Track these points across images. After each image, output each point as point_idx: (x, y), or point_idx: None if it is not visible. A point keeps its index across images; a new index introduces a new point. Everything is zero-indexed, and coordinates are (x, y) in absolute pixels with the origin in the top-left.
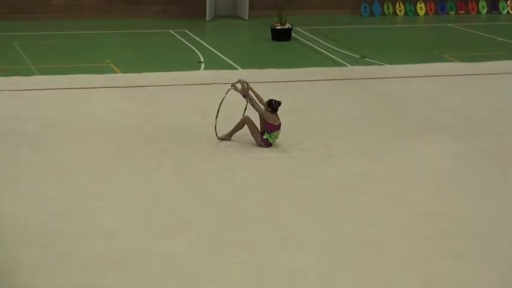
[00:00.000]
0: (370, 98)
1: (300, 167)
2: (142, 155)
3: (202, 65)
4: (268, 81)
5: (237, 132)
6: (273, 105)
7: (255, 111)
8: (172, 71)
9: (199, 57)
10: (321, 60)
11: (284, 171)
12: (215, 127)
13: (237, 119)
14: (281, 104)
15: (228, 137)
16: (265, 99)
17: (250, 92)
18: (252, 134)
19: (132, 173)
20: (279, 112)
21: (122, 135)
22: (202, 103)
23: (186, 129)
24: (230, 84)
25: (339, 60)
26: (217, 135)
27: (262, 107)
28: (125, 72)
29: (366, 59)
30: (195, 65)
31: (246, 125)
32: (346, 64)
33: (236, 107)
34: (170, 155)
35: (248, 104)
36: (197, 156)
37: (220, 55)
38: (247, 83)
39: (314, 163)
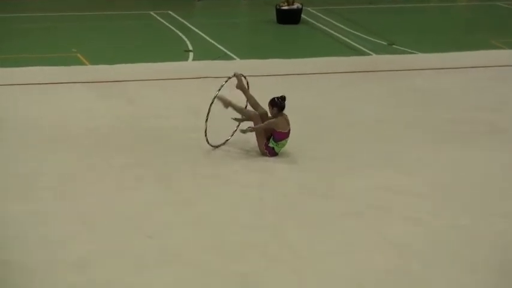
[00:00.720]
0: (399, 95)
1: (312, 181)
2: (118, 167)
3: (191, 54)
4: (272, 74)
5: (234, 137)
6: (278, 104)
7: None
8: (153, 61)
9: (186, 45)
10: (337, 48)
11: (293, 186)
12: (206, 132)
13: (233, 123)
14: (286, 100)
15: (240, 120)
16: (265, 97)
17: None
18: (258, 138)
19: (105, 189)
20: (286, 112)
21: (92, 142)
22: (191, 102)
23: (171, 135)
24: (225, 79)
25: (360, 47)
26: (208, 142)
27: (258, 112)
28: (95, 64)
29: (394, 46)
30: (181, 55)
31: (253, 122)
32: (369, 53)
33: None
34: (152, 167)
35: (247, 103)
36: (185, 168)
37: (213, 42)
38: (245, 77)
39: (330, 176)
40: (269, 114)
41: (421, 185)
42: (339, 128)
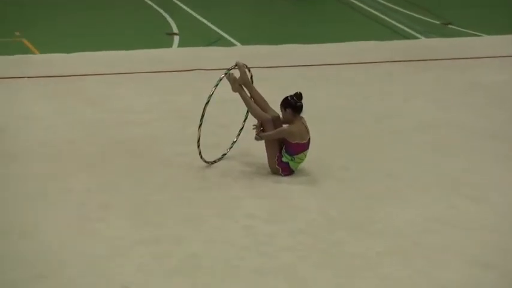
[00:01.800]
0: (458, 92)
1: (340, 209)
2: (78, 192)
3: (176, 38)
4: (285, 66)
5: (234, 150)
6: (292, 104)
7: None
8: (124, 49)
9: (170, 26)
10: (374, 30)
11: (314, 217)
12: (198, 143)
13: (235, 130)
14: (302, 98)
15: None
16: (276, 97)
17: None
18: (267, 149)
19: (61, 221)
20: (305, 115)
21: (42, 159)
22: (177, 103)
23: (149, 148)
24: (223, 73)
25: (405, 29)
26: (201, 157)
27: (269, 117)
28: (46, 53)
29: (450, 26)
30: (163, 40)
31: (262, 127)
32: (417, 36)
33: (234, 109)
34: (123, 192)
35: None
36: (168, 193)
37: (206, 22)
38: (248, 69)
39: (365, 203)
40: (281, 116)
41: (492, 216)
42: (377, 137)
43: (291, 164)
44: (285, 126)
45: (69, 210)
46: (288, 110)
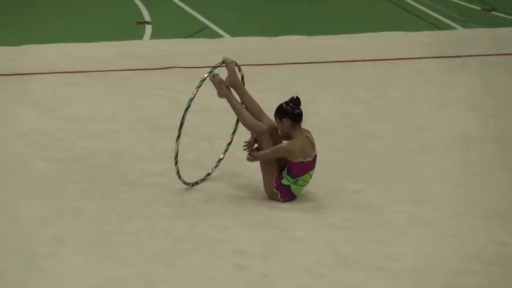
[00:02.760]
0: (504, 95)
1: (354, 244)
2: (25, 221)
3: (148, 28)
4: (284, 63)
5: (221, 168)
6: (289, 112)
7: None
8: (81, 41)
9: (140, 12)
10: (396, 17)
11: (321, 253)
12: (176, 159)
13: (221, 145)
14: (301, 104)
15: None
16: (272, 102)
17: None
18: (263, 170)
19: (2, 258)
20: (308, 126)
21: None
22: (147, 110)
23: (112, 166)
24: (208, 71)
25: (436, 16)
26: (180, 177)
27: (266, 128)
28: None
29: (493, 13)
30: (132, 30)
31: (258, 140)
32: (452, 25)
33: (220, 118)
34: (81, 222)
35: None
36: (137, 223)
37: (186, 7)
38: (238, 67)
39: (383, 235)
40: (280, 132)
41: None
42: (400, 153)
43: (293, 187)
44: (284, 142)
45: (13, 243)
46: (285, 121)
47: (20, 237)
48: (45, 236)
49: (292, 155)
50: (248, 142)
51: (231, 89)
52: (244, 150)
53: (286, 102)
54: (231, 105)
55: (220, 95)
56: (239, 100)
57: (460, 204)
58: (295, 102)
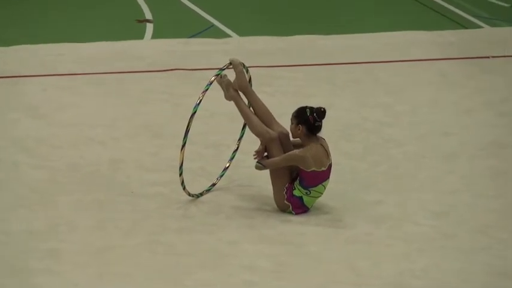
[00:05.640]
0: None
1: (371, 259)
2: (18, 234)
3: (150, 27)
4: (297, 64)
5: (227, 174)
6: (310, 121)
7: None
8: (79, 41)
9: (141, 10)
10: (419, 15)
11: (336, 269)
12: (181, 169)
13: (227, 152)
14: (326, 114)
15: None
16: (284, 108)
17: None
18: (273, 179)
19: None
20: (324, 133)
21: None
22: (149, 116)
23: (111, 175)
24: (215, 73)
25: (461, 14)
26: (185, 188)
27: (275, 135)
28: None
29: None
30: (132, 29)
31: (267, 148)
32: (479, 23)
33: (227, 124)
34: (78, 235)
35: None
36: (138, 237)
37: (191, 5)
38: (246, 67)
39: (404, 250)
40: (291, 137)
41: None
42: (423, 161)
43: (305, 199)
44: (296, 149)
45: (5, 258)
46: (302, 127)
47: (13, 252)
48: (39, 250)
49: (305, 164)
50: (258, 151)
51: (239, 92)
52: (254, 159)
53: (310, 109)
54: (239, 109)
55: (228, 97)
56: (247, 104)
57: (487, 216)
58: (320, 114)
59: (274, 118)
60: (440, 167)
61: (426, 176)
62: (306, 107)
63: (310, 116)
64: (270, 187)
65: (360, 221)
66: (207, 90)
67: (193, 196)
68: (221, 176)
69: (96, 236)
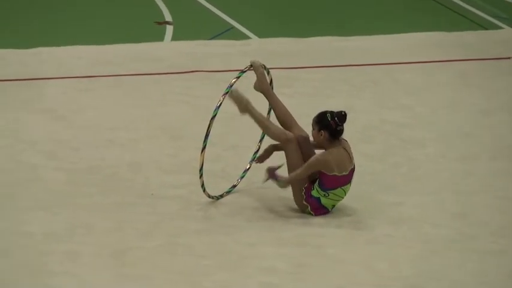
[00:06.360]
0: None
1: (392, 261)
2: (37, 236)
3: (169, 29)
4: (317, 66)
5: (247, 175)
6: (331, 126)
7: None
8: (98, 43)
9: (161, 12)
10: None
11: (356, 271)
12: (201, 171)
13: (247, 154)
14: (346, 118)
15: (263, 158)
16: (303, 108)
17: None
18: (291, 180)
19: (13, 275)
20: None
21: None
22: (168, 117)
23: (133, 178)
24: (235, 76)
25: (480, 14)
26: (205, 190)
27: (292, 136)
28: None
29: None
30: (151, 31)
31: (285, 153)
32: (498, 24)
33: (247, 126)
34: (97, 237)
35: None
36: (158, 239)
37: (210, 7)
38: (267, 69)
39: (424, 252)
40: (311, 138)
41: None
42: (443, 163)
43: (323, 200)
44: (318, 153)
45: (25, 260)
46: (324, 133)
47: (32, 254)
48: (58, 252)
49: (327, 167)
50: (260, 158)
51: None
52: (267, 180)
53: (331, 114)
54: (255, 120)
55: (242, 110)
56: (268, 107)
57: (506, 218)
58: (341, 118)
59: (295, 121)
60: (460, 169)
61: (445, 178)
62: (326, 111)
63: (331, 121)
64: (290, 187)
65: (379, 222)
66: (227, 93)
67: (213, 198)
68: (241, 177)
69: (114, 238)
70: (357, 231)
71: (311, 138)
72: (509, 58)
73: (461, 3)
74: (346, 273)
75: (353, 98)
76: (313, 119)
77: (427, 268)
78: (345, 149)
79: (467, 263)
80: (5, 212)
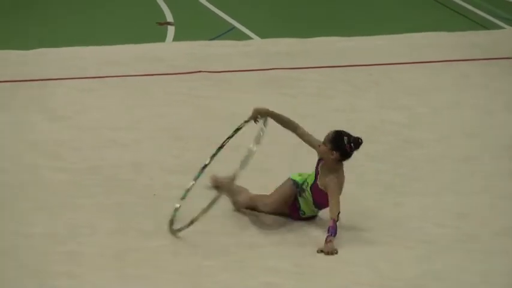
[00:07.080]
0: None
1: (394, 261)
2: (39, 237)
3: (171, 29)
4: (319, 66)
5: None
6: (346, 150)
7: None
8: (103, 44)
9: (162, 13)
10: (440, 16)
11: (359, 271)
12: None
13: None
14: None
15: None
16: (304, 108)
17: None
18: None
19: (14, 275)
20: None
21: None
22: (172, 117)
23: (135, 178)
24: (239, 126)
25: (483, 15)
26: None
27: (272, 206)
28: None
29: None
30: (153, 31)
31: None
32: (500, 24)
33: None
34: (98, 238)
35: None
36: (160, 239)
37: (211, 7)
38: (265, 120)
39: (425, 252)
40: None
41: None
42: (444, 163)
43: (303, 207)
44: (329, 180)
45: (28, 260)
46: (335, 154)
47: (33, 254)
48: (59, 252)
49: (339, 189)
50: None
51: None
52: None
53: (348, 138)
54: (245, 206)
55: (237, 207)
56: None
57: (509, 217)
58: (357, 145)
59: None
60: (462, 169)
61: (447, 178)
62: (343, 133)
63: (347, 145)
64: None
65: (381, 223)
66: (239, 129)
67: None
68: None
69: (116, 238)
70: (359, 231)
71: (318, 150)
72: (510, 58)
73: (463, 4)
74: (349, 274)
75: (355, 98)
76: (329, 135)
77: (430, 268)
78: (343, 171)
79: (471, 263)
80: (7, 213)
